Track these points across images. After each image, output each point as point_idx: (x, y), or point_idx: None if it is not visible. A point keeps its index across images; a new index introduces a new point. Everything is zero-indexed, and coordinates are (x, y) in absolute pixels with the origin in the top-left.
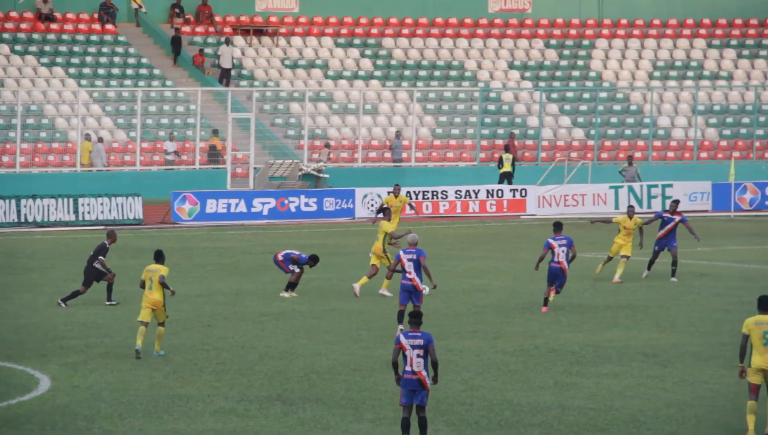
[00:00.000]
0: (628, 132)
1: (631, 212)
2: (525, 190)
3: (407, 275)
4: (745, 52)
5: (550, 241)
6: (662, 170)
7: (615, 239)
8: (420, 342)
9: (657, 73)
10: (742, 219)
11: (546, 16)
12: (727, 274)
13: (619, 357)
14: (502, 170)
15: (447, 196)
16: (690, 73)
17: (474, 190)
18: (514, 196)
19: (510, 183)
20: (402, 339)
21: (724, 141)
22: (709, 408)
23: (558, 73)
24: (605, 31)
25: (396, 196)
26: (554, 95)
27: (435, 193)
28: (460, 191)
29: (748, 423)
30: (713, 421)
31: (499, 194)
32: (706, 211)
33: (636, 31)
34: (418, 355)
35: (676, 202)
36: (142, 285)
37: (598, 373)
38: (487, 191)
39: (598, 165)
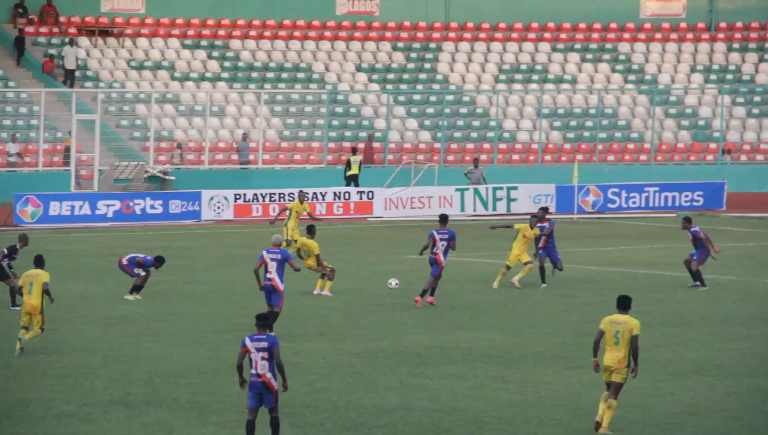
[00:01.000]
0: (474, 135)
1: (534, 222)
2: (372, 192)
3: (268, 275)
4: (589, 57)
5: (434, 232)
6: (507, 173)
7: (513, 246)
8: (265, 344)
9: (503, 77)
10: (585, 221)
11: (393, 18)
12: (569, 276)
13: (464, 358)
14: (349, 173)
15: (294, 199)
16: (535, 77)
17: (321, 193)
18: (361, 198)
19: (356, 185)
20: (247, 342)
21: (568, 144)
22: (550, 408)
23: (405, 76)
24: (452, 35)
25: (302, 203)
26: (401, 98)
27: (282, 196)
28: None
29: (599, 409)
30: (555, 421)
31: (347, 197)
32: (550, 213)
33: (482, 35)
34: (263, 358)
35: (545, 209)
36: (19, 291)
37: (442, 375)
38: (335, 194)
39: (444, 167)
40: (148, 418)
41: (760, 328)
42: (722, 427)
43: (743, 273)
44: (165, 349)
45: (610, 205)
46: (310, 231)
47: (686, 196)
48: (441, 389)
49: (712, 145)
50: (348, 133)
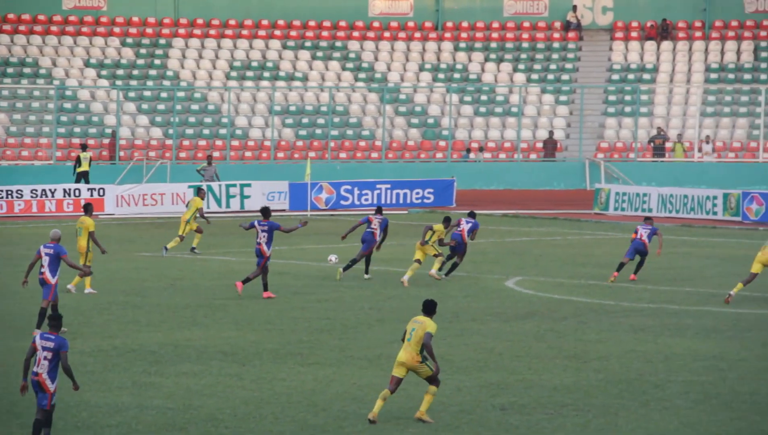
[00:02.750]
0: (206, 131)
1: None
2: (103, 189)
3: (41, 269)
4: (320, 54)
5: (255, 223)
6: (240, 170)
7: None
8: (51, 345)
9: (234, 74)
10: (318, 218)
11: (122, 14)
12: (304, 273)
13: (198, 356)
14: (79, 169)
15: (22, 196)
16: (266, 74)
17: (51, 190)
18: (92, 195)
19: (87, 182)
20: (37, 339)
21: (301, 141)
22: (285, 405)
23: (135, 72)
24: (182, 31)
25: (202, 199)
26: (132, 94)
27: (10, 193)
28: (36, 190)
29: (375, 405)
30: (290, 418)
31: (77, 193)
32: (284, 210)
33: (212, 31)
34: (46, 358)
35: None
36: None
37: (177, 373)
38: (65, 190)
39: (176, 164)
40: None
41: (490, 323)
42: (454, 421)
43: (473, 269)
44: None
45: (342, 202)
46: (87, 209)
47: (417, 193)
48: (175, 387)
49: (442, 143)
50: (77, 130)
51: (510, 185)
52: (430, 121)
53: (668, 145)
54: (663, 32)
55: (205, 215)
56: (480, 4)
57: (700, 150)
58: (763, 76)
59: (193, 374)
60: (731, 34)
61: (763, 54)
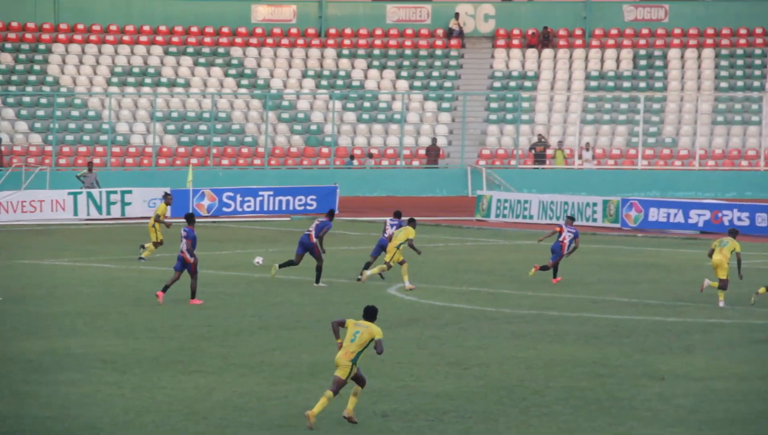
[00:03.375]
0: (86, 138)
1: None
2: None
3: None
4: (202, 60)
5: (182, 230)
6: (121, 176)
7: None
8: None
9: (115, 79)
10: (201, 225)
11: (0, 19)
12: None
13: (78, 364)
14: None
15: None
16: (148, 80)
17: None
18: None
19: None
20: None
21: (182, 147)
22: (166, 413)
23: (14, 78)
24: (62, 36)
25: (167, 205)
26: (10, 100)
27: None
28: None
29: (317, 405)
30: (170, 426)
31: None
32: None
33: (93, 37)
34: None
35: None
36: None
37: (56, 381)
38: None
39: (56, 171)
40: None
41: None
42: (336, 429)
43: (355, 275)
44: None
45: (225, 209)
46: None
47: (300, 199)
48: (54, 396)
49: (325, 150)
50: None
51: (393, 192)
52: (313, 127)
53: (549, 152)
54: (544, 40)
55: (165, 220)
56: (363, 10)
57: (580, 157)
58: (642, 84)
59: (72, 383)
60: (611, 42)
61: (642, 62)
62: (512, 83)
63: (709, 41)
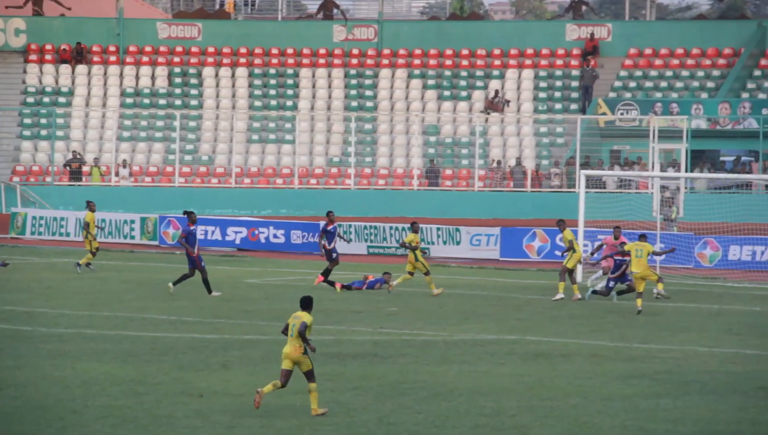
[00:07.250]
0: None
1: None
2: None
3: None
4: None
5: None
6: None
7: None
8: None
9: None
10: None
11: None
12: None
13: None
14: None
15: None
16: None
17: None
18: None
19: None
20: None
21: None
22: None
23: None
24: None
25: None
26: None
27: None
28: None
29: (265, 387)
30: None
31: None
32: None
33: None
34: None
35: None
36: None
37: None
38: None
39: None
40: None
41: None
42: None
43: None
44: None
45: None
46: None
47: None
48: None
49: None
50: None
51: None
52: None
53: (85, 169)
54: (78, 56)
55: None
56: None
57: (117, 174)
58: (177, 102)
59: None
60: (145, 59)
61: (177, 79)
62: (46, 99)
63: (243, 60)
